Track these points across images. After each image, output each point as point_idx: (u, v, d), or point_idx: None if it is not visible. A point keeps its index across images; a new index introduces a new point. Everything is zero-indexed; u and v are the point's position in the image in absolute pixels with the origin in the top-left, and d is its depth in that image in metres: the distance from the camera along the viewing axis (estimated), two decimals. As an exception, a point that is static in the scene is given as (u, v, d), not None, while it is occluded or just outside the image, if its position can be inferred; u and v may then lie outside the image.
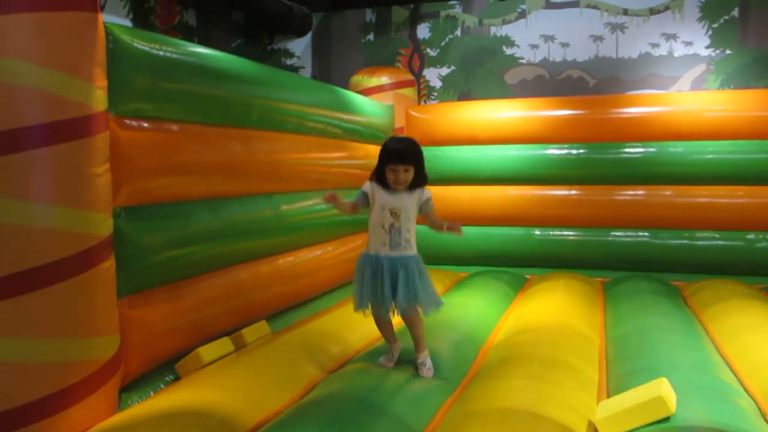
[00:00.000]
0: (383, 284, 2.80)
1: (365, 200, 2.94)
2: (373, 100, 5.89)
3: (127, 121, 2.74)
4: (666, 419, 2.25)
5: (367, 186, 2.93)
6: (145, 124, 2.87)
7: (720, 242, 5.43)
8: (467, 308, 4.11)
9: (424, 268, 2.90)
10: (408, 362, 2.98)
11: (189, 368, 2.91)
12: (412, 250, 2.89)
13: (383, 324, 2.98)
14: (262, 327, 3.44)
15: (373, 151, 5.52)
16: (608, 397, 2.71)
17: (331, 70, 7.55)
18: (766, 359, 2.96)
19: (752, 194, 5.38)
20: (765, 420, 2.47)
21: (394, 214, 2.85)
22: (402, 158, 2.82)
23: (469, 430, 2.26)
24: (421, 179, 2.90)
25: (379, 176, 2.88)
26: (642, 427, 2.27)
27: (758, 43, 6.16)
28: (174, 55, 3.03)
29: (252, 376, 2.78)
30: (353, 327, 3.54)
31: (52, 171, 2.25)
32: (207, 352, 2.97)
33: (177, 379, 2.92)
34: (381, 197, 2.88)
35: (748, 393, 2.73)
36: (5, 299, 2.15)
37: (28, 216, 2.18)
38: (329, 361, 3.13)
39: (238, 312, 3.49)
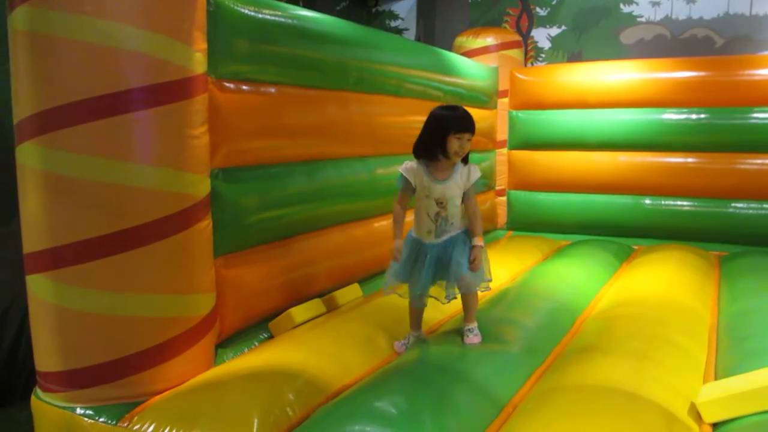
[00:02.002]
0: (425, 271, 2.68)
1: (411, 189, 2.73)
2: (477, 62, 5.71)
3: (226, 84, 2.79)
4: None
5: (408, 171, 2.71)
6: (244, 87, 2.90)
7: None
8: (566, 277, 3.96)
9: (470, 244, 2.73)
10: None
11: (281, 327, 2.98)
12: (459, 229, 2.73)
13: (415, 310, 2.86)
14: (354, 290, 3.46)
15: (475, 114, 5.41)
16: (716, 380, 2.51)
17: (436, 31, 7.38)
18: None
19: None
20: None
21: (440, 203, 2.67)
22: (471, 125, 2.64)
23: (558, 406, 2.16)
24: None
25: (429, 149, 2.66)
26: (750, 415, 2.08)
27: None
28: (273, 18, 3.04)
29: (342, 338, 2.81)
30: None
31: (153, 132, 2.32)
32: (299, 312, 3.03)
33: (270, 337, 3.00)
34: (426, 185, 2.68)
35: None
36: (109, 256, 2.26)
37: (129, 176, 2.26)
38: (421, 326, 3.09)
39: (331, 274, 3.53)
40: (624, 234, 5.46)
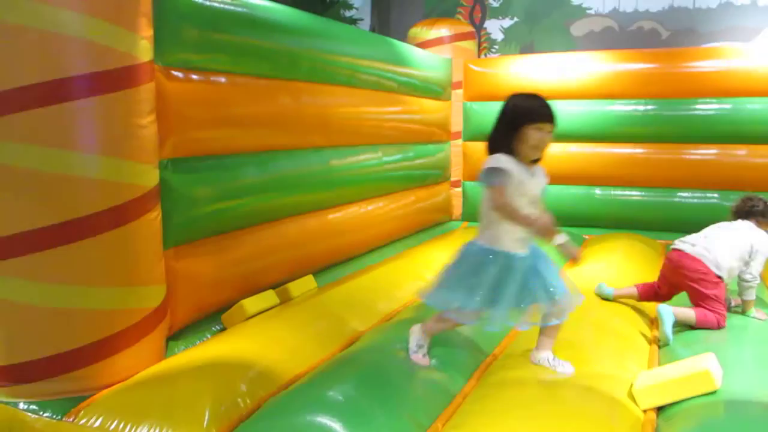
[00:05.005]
0: (513, 292, 2.25)
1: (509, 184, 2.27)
2: (431, 53, 5.73)
3: (174, 72, 2.74)
4: (710, 394, 2.13)
5: (506, 161, 2.26)
6: (193, 76, 2.86)
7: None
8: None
9: None
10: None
11: (234, 319, 2.95)
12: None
13: (452, 325, 2.49)
14: (308, 281, 3.45)
15: (429, 105, 5.49)
16: (655, 367, 2.59)
17: (391, 22, 7.40)
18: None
19: (836, 155, 4.99)
20: None
21: (534, 203, 2.32)
22: (553, 115, 2.30)
23: (506, 397, 2.20)
24: None
25: (505, 142, 2.29)
26: (684, 400, 2.16)
27: None
28: (223, 6, 3.00)
29: (295, 329, 2.80)
30: (400, 283, 3.52)
31: (97, 121, 2.26)
32: (252, 304, 3.00)
33: (223, 329, 2.97)
34: (521, 180, 2.27)
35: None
36: (52, 247, 2.20)
37: (72, 165, 2.21)
38: (374, 316, 3.11)
39: (285, 266, 3.51)
40: (576, 224, 5.58)
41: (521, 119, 2.27)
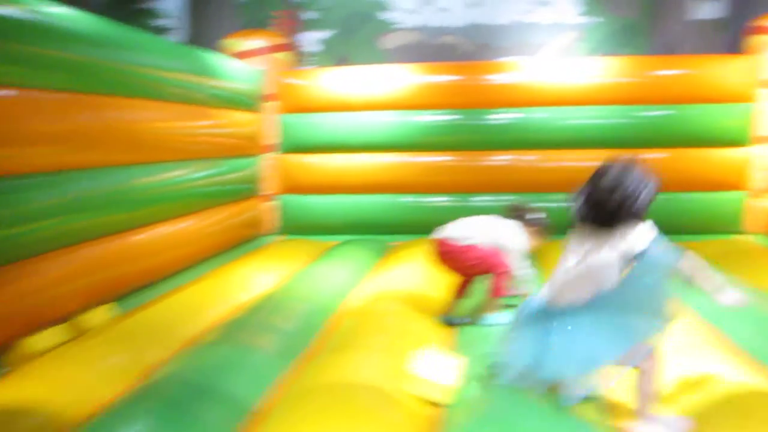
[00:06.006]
0: None
1: None
2: (243, 65, 5.68)
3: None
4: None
5: None
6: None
7: (581, 204, 5.67)
8: (326, 278, 4.10)
9: None
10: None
11: (18, 360, 2.73)
12: None
13: None
14: (104, 311, 3.26)
15: (240, 118, 5.42)
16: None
17: (208, 32, 7.22)
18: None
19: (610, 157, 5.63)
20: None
21: None
22: None
23: (305, 407, 2.24)
24: None
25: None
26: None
27: (624, 11, 6.41)
28: (11, 13, 2.78)
29: (87, 365, 2.65)
30: (207, 304, 3.47)
31: None
32: (38, 341, 2.80)
33: (7, 371, 2.73)
34: None
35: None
36: None
37: None
38: (175, 342, 3.01)
39: (81, 295, 3.31)
40: (387, 231, 5.80)
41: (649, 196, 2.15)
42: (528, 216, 3.47)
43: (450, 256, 3.32)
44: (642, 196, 2.12)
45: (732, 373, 2.47)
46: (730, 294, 2.19)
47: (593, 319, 2.14)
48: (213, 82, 4.87)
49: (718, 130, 5.50)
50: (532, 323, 2.27)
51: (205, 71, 4.78)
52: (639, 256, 2.14)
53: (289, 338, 3.00)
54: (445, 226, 3.43)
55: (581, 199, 2.22)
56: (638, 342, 2.13)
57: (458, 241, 3.29)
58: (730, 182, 5.58)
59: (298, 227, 5.99)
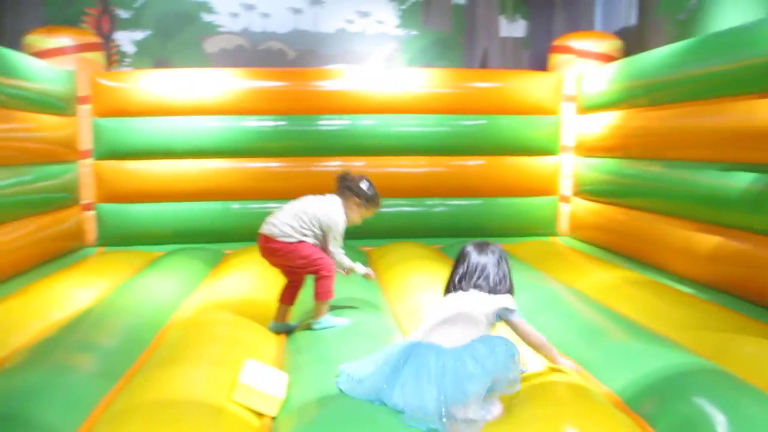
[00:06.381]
0: None
1: None
2: (49, 64, 5.23)
3: None
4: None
5: None
6: None
7: (405, 208, 5.95)
8: (153, 290, 3.91)
9: None
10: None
11: None
12: None
13: None
14: None
15: (49, 122, 4.97)
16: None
17: (6, 28, 6.53)
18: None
19: (432, 164, 5.98)
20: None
21: None
22: None
23: (124, 427, 2.11)
24: None
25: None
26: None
27: (438, 26, 6.80)
28: None
29: None
30: (16, 325, 3.15)
31: None
32: None
33: None
34: None
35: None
36: None
37: None
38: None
39: None
40: (217, 239, 5.67)
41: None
42: (353, 185, 3.43)
43: (277, 254, 3.25)
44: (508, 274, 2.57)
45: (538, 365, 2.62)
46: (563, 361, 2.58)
47: (455, 363, 2.21)
48: (14, 82, 4.43)
49: (529, 139, 6.03)
50: (397, 353, 2.34)
51: (5, 70, 4.33)
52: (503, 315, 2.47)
53: (112, 356, 2.81)
54: (273, 213, 3.35)
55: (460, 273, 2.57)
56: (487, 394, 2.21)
57: (285, 238, 3.21)
58: (544, 188, 6.15)
59: (119, 238, 5.63)
